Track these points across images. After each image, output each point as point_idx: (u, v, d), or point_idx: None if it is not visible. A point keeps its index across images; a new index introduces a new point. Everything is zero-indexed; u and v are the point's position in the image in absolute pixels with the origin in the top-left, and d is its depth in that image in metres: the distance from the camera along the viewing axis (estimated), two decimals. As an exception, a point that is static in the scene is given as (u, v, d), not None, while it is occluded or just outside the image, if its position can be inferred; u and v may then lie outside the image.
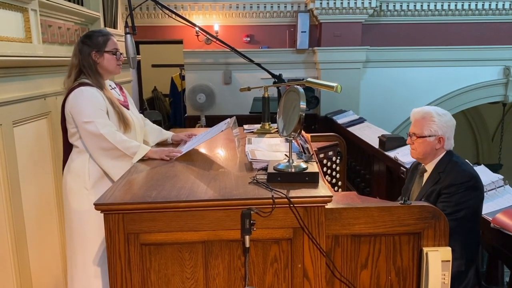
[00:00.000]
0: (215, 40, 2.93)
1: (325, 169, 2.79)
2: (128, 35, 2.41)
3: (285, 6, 6.55)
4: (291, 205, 1.49)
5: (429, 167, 2.19)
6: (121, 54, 2.34)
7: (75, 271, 2.23)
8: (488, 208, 2.31)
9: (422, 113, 2.17)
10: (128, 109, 2.39)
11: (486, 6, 6.51)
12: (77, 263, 2.22)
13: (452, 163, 2.11)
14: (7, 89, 2.27)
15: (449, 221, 1.95)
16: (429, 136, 2.12)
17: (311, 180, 1.64)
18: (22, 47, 2.39)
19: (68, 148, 2.31)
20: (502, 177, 2.59)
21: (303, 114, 1.59)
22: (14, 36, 2.35)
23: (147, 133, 2.51)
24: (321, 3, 6.24)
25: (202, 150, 2.24)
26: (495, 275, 2.36)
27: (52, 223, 2.75)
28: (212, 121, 6.19)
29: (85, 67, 2.25)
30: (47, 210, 2.70)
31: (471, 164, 2.20)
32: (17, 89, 2.35)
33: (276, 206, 1.48)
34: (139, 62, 6.19)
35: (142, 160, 2.08)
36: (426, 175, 2.21)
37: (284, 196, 1.49)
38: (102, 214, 1.49)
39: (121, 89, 2.49)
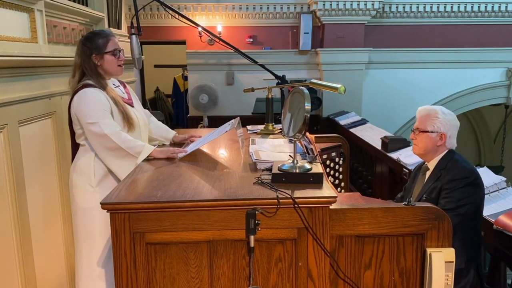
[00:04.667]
0: (218, 40, 2.95)
1: (328, 170, 2.80)
2: (134, 36, 2.43)
3: (288, 7, 6.56)
4: (296, 206, 1.50)
5: (431, 164, 2.23)
6: (119, 51, 2.34)
7: (81, 267, 2.25)
8: (490, 210, 2.32)
9: (427, 110, 2.25)
10: (132, 106, 2.40)
11: (489, 8, 6.51)
12: (82, 260, 2.24)
13: (453, 160, 2.15)
14: (13, 89, 2.29)
15: (452, 217, 1.97)
16: (432, 132, 2.18)
17: (315, 180, 1.65)
18: (28, 47, 2.41)
19: (76, 147, 2.32)
20: (504, 179, 2.60)
21: (308, 115, 1.60)
22: (20, 36, 2.36)
23: (151, 129, 2.53)
24: (324, 4, 6.25)
25: (207, 150, 2.26)
26: (497, 277, 2.36)
27: (56, 222, 2.76)
28: (214, 121, 6.21)
29: (87, 69, 2.27)
30: (52, 209, 2.71)
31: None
32: (22, 89, 2.37)
33: (281, 206, 1.49)
34: (142, 62, 6.21)
35: (147, 160, 2.10)
36: (428, 173, 2.24)
37: (289, 196, 1.50)
38: (107, 212, 1.50)
39: (124, 86, 2.50)
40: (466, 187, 2.04)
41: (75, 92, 2.23)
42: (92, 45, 2.27)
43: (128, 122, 2.28)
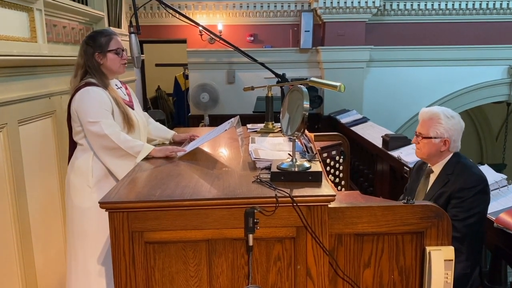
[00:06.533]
0: (218, 39, 2.94)
1: (328, 168, 2.79)
2: (133, 35, 2.42)
3: (289, 6, 6.55)
4: (295, 204, 1.49)
5: (436, 168, 2.17)
6: (123, 50, 2.35)
7: (75, 267, 2.25)
8: (491, 207, 2.30)
9: (430, 114, 2.16)
10: (133, 108, 2.41)
11: (491, 5, 6.50)
12: (77, 260, 2.23)
13: (461, 165, 2.09)
14: (13, 88, 2.29)
15: (463, 227, 1.95)
16: (435, 137, 2.11)
17: (314, 179, 1.64)
18: (27, 47, 2.41)
19: (73, 145, 2.33)
20: (505, 176, 2.59)
21: (307, 114, 1.59)
22: (19, 36, 2.37)
23: (150, 131, 2.53)
24: (324, 2, 6.25)
25: (206, 149, 2.25)
26: (498, 275, 2.35)
27: (56, 220, 2.77)
28: (215, 120, 6.21)
29: (90, 68, 2.27)
30: (52, 208, 2.72)
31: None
32: (22, 88, 2.37)
33: (280, 205, 1.49)
34: (142, 61, 6.22)
35: (146, 159, 2.09)
36: (432, 177, 2.19)
37: (288, 195, 1.50)
38: (104, 212, 1.50)
39: (126, 88, 2.51)
40: (476, 195, 1.99)
41: (77, 89, 2.23)
42: (95, 44, 2.28)
43: (128, 123, 2.28)
